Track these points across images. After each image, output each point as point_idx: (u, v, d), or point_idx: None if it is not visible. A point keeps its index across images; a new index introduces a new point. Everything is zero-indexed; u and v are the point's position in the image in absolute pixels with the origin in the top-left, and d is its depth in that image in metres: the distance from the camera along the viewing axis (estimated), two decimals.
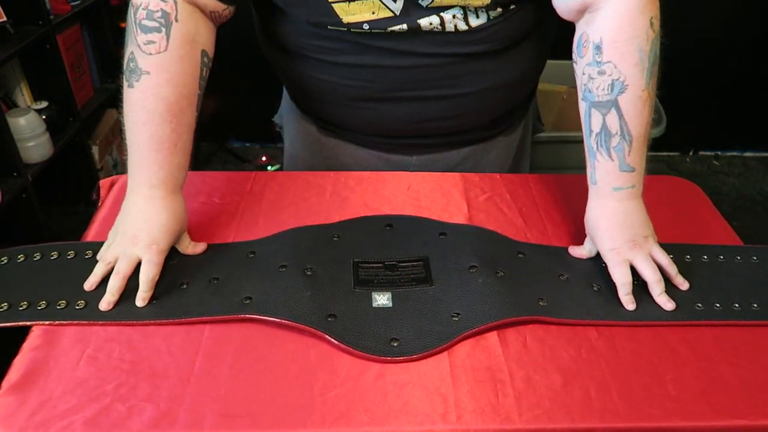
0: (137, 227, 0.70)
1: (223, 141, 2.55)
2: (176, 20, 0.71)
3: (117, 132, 2.30)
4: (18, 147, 1.68)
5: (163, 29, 0.70)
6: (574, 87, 0.75)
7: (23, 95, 1.89)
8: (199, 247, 0.74)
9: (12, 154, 1.65)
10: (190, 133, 0.74)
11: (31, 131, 1.74)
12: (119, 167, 2.32)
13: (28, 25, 1.77)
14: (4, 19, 1.66)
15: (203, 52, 0.75)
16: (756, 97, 2.56)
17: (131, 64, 0.71)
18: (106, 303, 0.65)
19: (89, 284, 0.68)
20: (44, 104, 1.87)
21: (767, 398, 0.60)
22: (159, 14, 0.71)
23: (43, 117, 1.81)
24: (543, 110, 1.98)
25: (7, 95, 1.85)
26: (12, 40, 1.68)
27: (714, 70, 2.47)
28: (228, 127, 2.54)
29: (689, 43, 2.28)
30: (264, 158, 2.51)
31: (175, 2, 0.72)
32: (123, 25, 0.75)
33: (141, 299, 0.66)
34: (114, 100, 2.27)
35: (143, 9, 0.71)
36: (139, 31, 0.71)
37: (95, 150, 2.12)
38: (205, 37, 0.76)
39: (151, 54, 0.70)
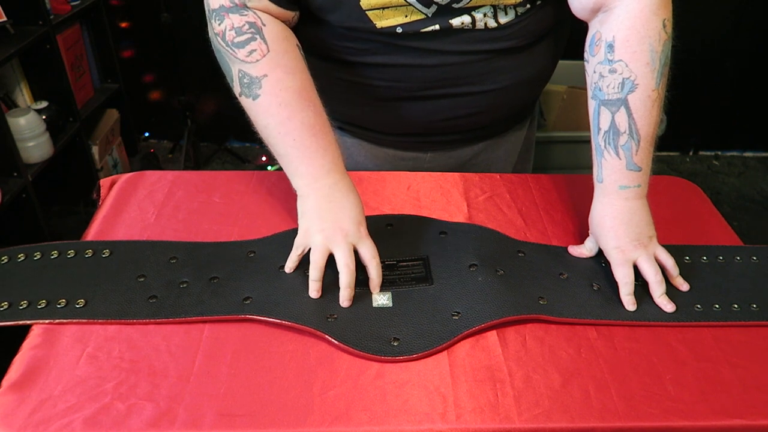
0: (336, 217, 0.71)
1: (223, 141, 2.55)
2: (264, 25, 0.73)
3: (117, 132, 2.30)
4: (18, 147, 1.69)
5: (258, 36, 0.72)
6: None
7: (23, 95, 1.89)
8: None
9: (12, 154, 1.65)
10: (326, 116, 0.75)
11: (31, 131, 1.74)
12: (119, 167, 2.32)
13: (28, 25, 1.77)
14: (4, 19, 1.67)
15: (297, 45, 0.77)
16: (756, 97, 2.56)
17: (245, 80, 0.73)
18: (315, 291, 0.67)
19: (288, 268, 0.70)
20: (44, 104, 1.87)
21: (766, 398, 0.60)
22: (247, 26, 0.72)
23: (43, 117, 1.81)
24: (543, 110, 1.99)
25: (7, 95, 1.85)
26: (12, 40, 1.68)
27: (714, 70, 2.47)
28: (228, 127, 2.54)
29: (690, 44, 2.28)
30: (264, 158, 2.51)
31: (255, 13, 0.73)
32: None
33: (376, 285, 0.68)
34: (114, 100, 2.27)
35: (230, 30, 0.73)
36: (235, 49, 0.72)
37: (95, 150, 2.12)
38: (291, 34, 0.77)
39: (258, 60, 0.72)
